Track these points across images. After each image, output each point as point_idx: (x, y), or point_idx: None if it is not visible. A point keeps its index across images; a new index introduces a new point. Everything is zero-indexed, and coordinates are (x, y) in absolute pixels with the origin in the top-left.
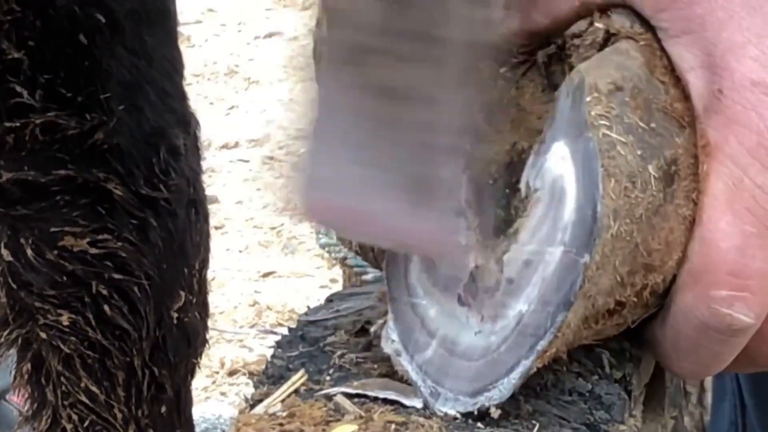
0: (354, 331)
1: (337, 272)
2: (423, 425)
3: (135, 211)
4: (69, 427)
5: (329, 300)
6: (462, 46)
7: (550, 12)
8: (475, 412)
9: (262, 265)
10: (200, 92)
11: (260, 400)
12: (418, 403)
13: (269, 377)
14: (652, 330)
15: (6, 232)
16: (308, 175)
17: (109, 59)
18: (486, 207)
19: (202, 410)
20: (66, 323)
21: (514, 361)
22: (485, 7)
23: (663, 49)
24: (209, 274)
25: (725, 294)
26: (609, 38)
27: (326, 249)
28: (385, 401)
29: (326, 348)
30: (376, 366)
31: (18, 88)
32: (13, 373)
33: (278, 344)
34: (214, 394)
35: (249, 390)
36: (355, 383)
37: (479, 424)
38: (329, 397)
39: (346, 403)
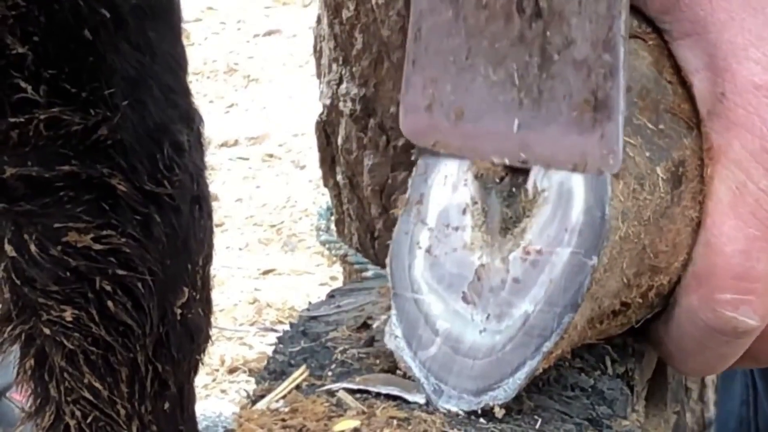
0: (356, 326)
1: (337, 270)
2: (425, 420)
3: (139, 206)
4: (72, 423)
5: (331, 296)
6: None
7: None
8: (479, 411)
9: (262, 263)
10: (200, 90)
11: (262, 396)
12: (420, 399)
13: (271, 373)
14: (656, 330)
15: (10, 228)
16: (431, 95)
17: (113, 55)
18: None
19: (203, 408)
20: (69, 319)
21: (520, 361)
22: None
23: (670, 52)
24: None
25: (730, 297)
26: None
27: (327, 246)
28: (388, 397)
29: (328, 343)
30: (378, 361)
31: (22, 84)
32: (16, 369)
33: (280, 340)
34: (215, 392)
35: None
36: (358, 379)
37: (482, 420)
38: (331, 393)
39: (349, 399)
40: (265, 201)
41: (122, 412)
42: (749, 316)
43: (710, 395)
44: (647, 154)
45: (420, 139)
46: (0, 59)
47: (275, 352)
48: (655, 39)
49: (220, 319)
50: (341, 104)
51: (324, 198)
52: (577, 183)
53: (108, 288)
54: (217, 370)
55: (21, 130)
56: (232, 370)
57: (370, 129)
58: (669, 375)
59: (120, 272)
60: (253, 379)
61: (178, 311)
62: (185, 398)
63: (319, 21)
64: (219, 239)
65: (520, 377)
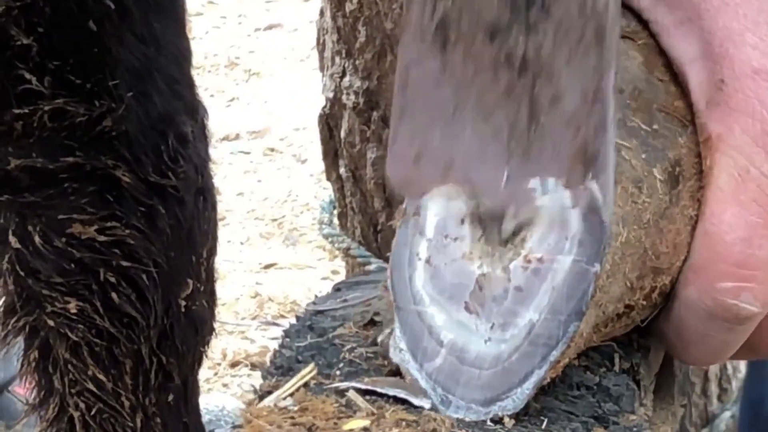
0: (363, 323)
1: (339, 264)
2: (434, 419)
3: (143, 198)
4: (76, 415)
5: (337, 289)
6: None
7: None
8: (488, 421)
9: (264, 257)
10: (201, 84)
11: (269, 392)
12: (426, 404)
13: (278, 368)
14: (657, 322)
15: (14, 220)
16: (416, 146)
17: (117, 46)
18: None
19: (206, 402)
20: (74, 311)
21: (527, 371)
22: None
23: (660, 48)
24: None
25: (731, 285)
26: None
27: (330, 239)
28: (396, 399)
29: (335, 340)
30: (386, 362)
31: (27, 75)
32: (20, 361)
33: (286, 333)
34: (216, 386)
35: (252, 381)
36: (366, 379)
37: (489, 423)
38: (340, 392)
39: (359, 399)
40: (266, 195)
41: (126, 404)
42: (750, 303)
43: (713, 389)
44: (643, 156)
45: (408, 190)
46: (4, 50)
47: (282, 346)
48: (644, 38)
49: (221, 313)
50: (344, 97)
51: (326, 192)
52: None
53: (112, 280)
54: (219, 364)
55: (25, 121)
56: (233, 364)
57: (374, 122)
58: (676, 368)
59: (124, 264)
60: (254, 373)
61: (183, 303)
62: (189, 390)
63: (322, 14)
64: (220, 233)
65: (528, 387)
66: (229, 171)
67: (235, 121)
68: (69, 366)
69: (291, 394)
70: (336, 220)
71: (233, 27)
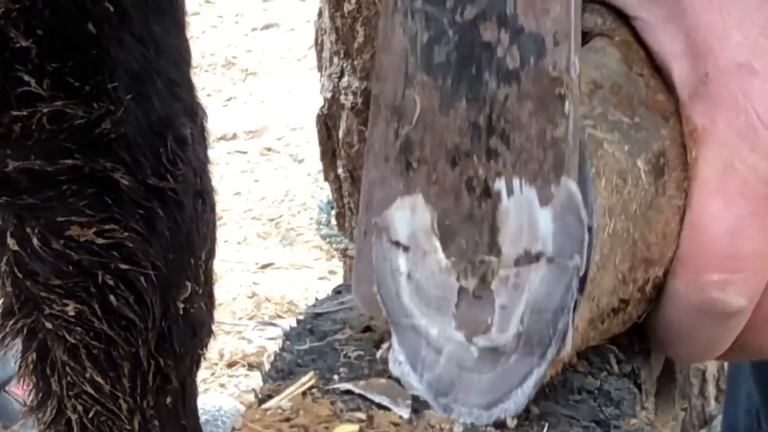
0: (361, 329)
1: (336, 264)
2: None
3: (142, 201)
4: (74, 417)
5: (337, 291)
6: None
7: None
8: (492, 424)
9: (261, 257)
10: (197, 84)
11: (270, 396)
12: (405, 412)
13: (278, 371)
14: (647, 318)
15: (12, 222)
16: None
17: (116, 48)
18: None
19: (203, 402)
20: (72, 313)
21: (526, 371)
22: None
23: (640, 43)
24: None
25: (717, 278)
26: (584, 38)
27: (327, 240)
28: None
29: (335, 344)
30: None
31: (26, 77)
32: (19, 363)
33: (287, 336)
34: (213, 386)
35: (248, 381)
36: (361, 383)
37: (490, 429)
38: (337, 395)
39: (353, 403)
40: (263, 195)
41: (124, 406)
42: (737, 297)
43: (711, 390)
44: (626, 147)
45: (373, 310)
46: (4, 52)
47: (282, 350)
48: (621, 34)
49: (218, 313)
50: (342, 97)
51: (323, 192)
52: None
53: (110, 282)
54: (216, 364)
55: (24, 123)
56: (230, 364)
57: None
58: (677, 371)
59: (122, 266)
60: (251, 374)
61: (181, 306)
62: (187, 392)
63: (320, 14)
64: (217, 233)
65: (529, 386)
66: (226, 171)
67: (232, 120)
68: (67, 368)
69: (290, 400)
70: (334, 221)
71: (230, 26)
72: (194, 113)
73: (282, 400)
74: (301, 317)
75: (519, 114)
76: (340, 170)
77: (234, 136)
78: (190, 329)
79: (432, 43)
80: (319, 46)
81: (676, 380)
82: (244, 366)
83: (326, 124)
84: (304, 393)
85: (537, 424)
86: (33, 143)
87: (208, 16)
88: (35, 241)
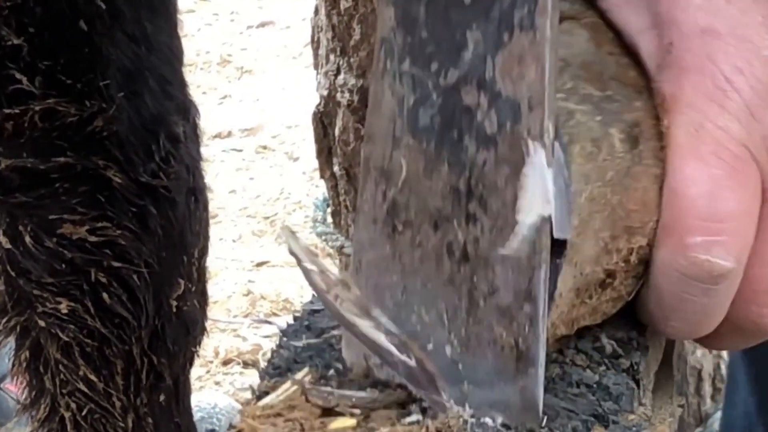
0: None
1: (331, 263)
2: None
3: (134, 198)
4: (67, 415)
5: None
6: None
7: None
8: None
9: (256, 255)
10: (193, 82)
11: (267, 392)
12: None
13: (275, 368)
14: (639, 295)
15: (5, 220)
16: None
17: (109, 46)
18: None
19: (197, 400)
20: (65, 311)
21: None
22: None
23: (608, 25)
24: None
25: (701, 240)
26: None
27: (323, 237)
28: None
29: (333, 341)
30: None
31: (17, 75)
32: (12, 361)
33: (284, 333)
34: (208, 384)
35: (243, 379)
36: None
37: (486, 420)
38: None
39: (349, 399)
40: (258, 193)
41: (117, 404)
42: (723, 257)
43: (707, 389)
44: (598, 118)
45: (359, 371)
46: None
47: (279, 346)
48: (589, 17)
49: (213, 310)
50: (339, 95)
51: (318, 190)
52: None
53: (103, 280)
54: (211, 362)
55: (16, 121)
56: (225, 362)
57: None
58: (674, 368)
59: (115, 264)
60: (246, 371)
61: (174, 303)
62: (181, 390)
63: (316, 11)
64: (212, 231)
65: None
66: (221, 169)
67: (228, 118)
68: (60, 366)
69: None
70: (330, 218)
71: (225, 24)
72: (187, 111)
73: (279, 397)
74: (297, 314)
75: (495, 179)
76: (336, 168)
77: (229, 134)
78: (183, 327)
79: (417, 105)
80: (315, 43)
81: (673, 377)
82: (239, 364)
83: (322, 121)
84: (301, 389)
85: None
86: (25, 141)
87: (203, 14)
88: (28, 239)
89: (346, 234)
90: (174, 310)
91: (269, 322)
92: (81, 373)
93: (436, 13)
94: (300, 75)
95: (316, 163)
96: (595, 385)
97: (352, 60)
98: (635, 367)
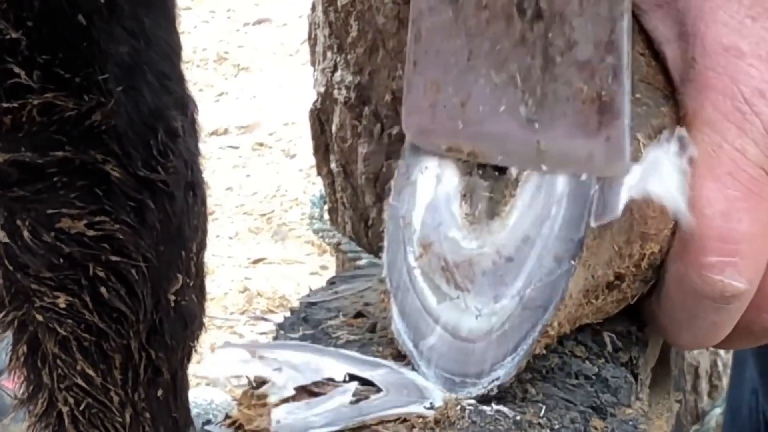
0: (354, 314)
1: (328, 259)
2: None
3: (132, 193)
4: (65, 410)
5: (331, 282)
6: None
7: None
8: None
9: (252, 252)
10: (189, 79)
11: (263, 383)
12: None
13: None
14: (648, 304)
15: (3, 214)
16: (430, 98)
17: (107, 40)
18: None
19: (194, 395)
20: (63, 305)
21: (519, 338)
22: None
23: (640, 27)
24: None
25: (715, 260)
26: None
27: (320, 234)
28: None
29: (329, 329)
30: (381, 349)
31: (16, 69)
32: (9, 355)
33: (280, 326)
34: (204, 380)
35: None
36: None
37: (486, 408)
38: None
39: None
40: (255, 190)
41: (115, 398)
42: (735, 279)
43: (704, 386)
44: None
45: (423, 140)
46: None
47: (276, 338)
48: None
49: (210, 307)
50: (336, 92)
51: (314, 187)
52: None
53: (101, 274)
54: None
55: (14, 115)
56: None
57: (365, 117)
58: (672, 363)
59: (113, 259)
60: None
61: (172, 298)
62: (178, 385)
63: (313, 8)
64: (209, 228)
65: (519, 354)
66: (217, 166)
67: (224, 115)
68: (58, 361)
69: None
70: (326, 215)
71: (222, 21)
72: (185, 105)
73: (272, 385)
74: (295, 308)
75: None
76: (333, 165)
77: (226, 132)
78: (181, 321)
79: None
80: (312, 40)
81: (670, 372)
82: None
83: (319, 118)
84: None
85: (534, 406)
86: (23, 135)
87: (199, 11)
88: (26, 233)
89: (342, 231)
90: (172, 304)
91: (266, 319)
92: (79, 367)
93: None
94: (296, 72)
95: (312, 160)
96: (593, 377)
97: (349, 57)
98: (634, 361)
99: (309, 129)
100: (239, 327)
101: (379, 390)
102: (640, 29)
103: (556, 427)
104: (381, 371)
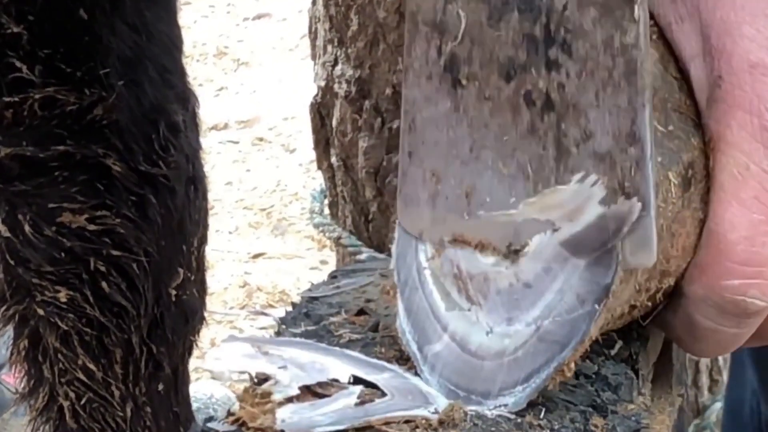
0: (356, 311)
1: (328, 253)
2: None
3: (134, 187)
4: (66, 404)
5: (332, 276)
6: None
7: None
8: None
9: (252, 247)
10: (189, 73)
11: (265, 379)
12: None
13: None
14: (664, 317)
15: (4, 208)
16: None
17: (109, 34)
18: None
19: (194, 390)
20: (64, 300)
21: (534, 368)
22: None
23: (666, 41)
24: None
25: (738, 283)
26: None
27: (320, 229)
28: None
29: (331, 327)
30: (383, 350)
31: (17, 63)
32: (10, 350)
33: (282, 321)
34: (205, 375)
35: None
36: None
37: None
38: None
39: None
40: (255, 185)
41: (116, 393)
42: (759, 298)
43: (704, 380)
44: (659, 159)
45: (424, 233)
46: None
47: (278, 334)
48: (657, 31)
49: (210, 302)
50: (336, 86)
51: (314, 182)
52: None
53: (102, 269)
54: (207, 353)
55: (16, 109)
56: None
57: (365, 111)
58: (673, 357)
59: (115, 253)
60: None
61: (173, 292)
62: (179, 380)
63: (314, 2)
64: (209, 220)
65: (531, 387)
66: (217, 160)
67: (224, 110)
68: (59, 355)
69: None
70: (327, 210)
71: (222, 16)
72: (186, 100)
73: (276, 383)
74: (297, 302)
75: (581, 22)
76: (333, 159)
77: (225, 126)
78: (182, 316)
79: None
80: (312, 34)
81: (672, 366)
82: None
83: (320, 112)
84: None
85: (534, 409)
86: (25, 129)
87: (199, 6)
88: (27, 227)
89: (343, 225)
90: (173, 299)
91: (265, 314)
92: (80, 361)
93: None
94: (296, 67)
95: (312, 155)
96: (593, 376)
97: (349, 51)
98: (634, 357)
99: (309, 123)
100: (239, 322)
101: (383, 394)
102: (667, 47)
103: (556, 427)
104: (386, 375)
